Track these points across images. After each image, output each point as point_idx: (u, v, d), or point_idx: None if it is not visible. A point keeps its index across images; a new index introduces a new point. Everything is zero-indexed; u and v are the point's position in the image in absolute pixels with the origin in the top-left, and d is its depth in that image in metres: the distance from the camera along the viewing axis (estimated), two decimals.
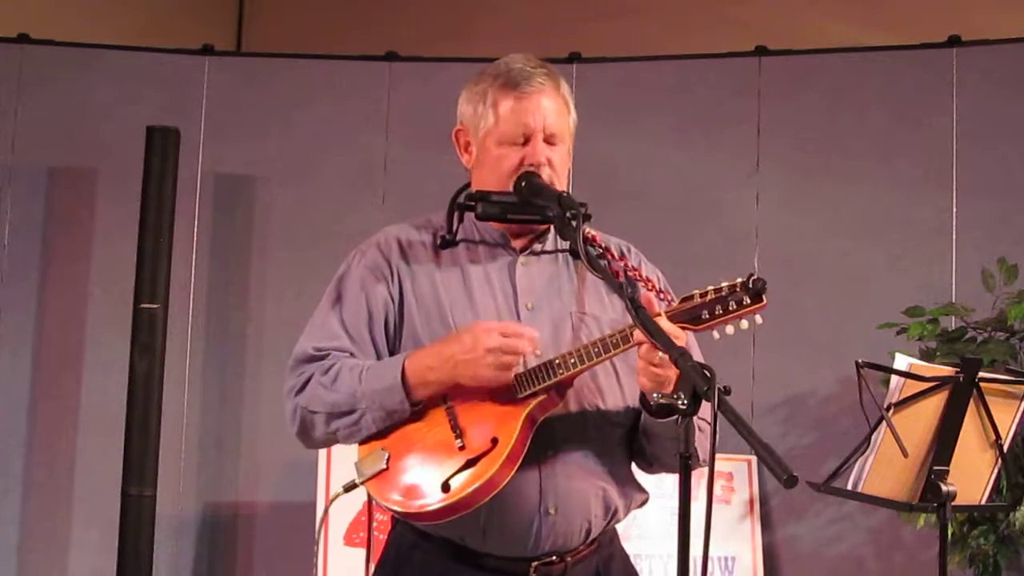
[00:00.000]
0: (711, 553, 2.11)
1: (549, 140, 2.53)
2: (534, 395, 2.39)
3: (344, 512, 4.47)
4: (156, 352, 4.83)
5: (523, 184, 2.47)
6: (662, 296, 2.44)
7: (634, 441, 2.54)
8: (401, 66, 5.40)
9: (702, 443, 2.34)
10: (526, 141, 2.51)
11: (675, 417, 2.39)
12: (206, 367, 5.22)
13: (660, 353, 2.26)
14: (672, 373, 2.30)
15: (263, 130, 5.36)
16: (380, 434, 2.46)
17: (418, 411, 2.44)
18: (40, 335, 5.20)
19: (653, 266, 2.65)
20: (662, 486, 3.90)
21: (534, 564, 2.44)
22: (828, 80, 5.20)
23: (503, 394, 2.40)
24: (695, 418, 2.21)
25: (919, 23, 5.45)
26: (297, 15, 6.58)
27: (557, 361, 2.38)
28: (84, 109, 5.30)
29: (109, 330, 5.08)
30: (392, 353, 2.52)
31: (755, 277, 2.34)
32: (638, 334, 2.31)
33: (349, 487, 2.47)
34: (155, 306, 4.85)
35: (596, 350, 2.37)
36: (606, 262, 2.51)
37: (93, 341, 5.19)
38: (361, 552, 2.57)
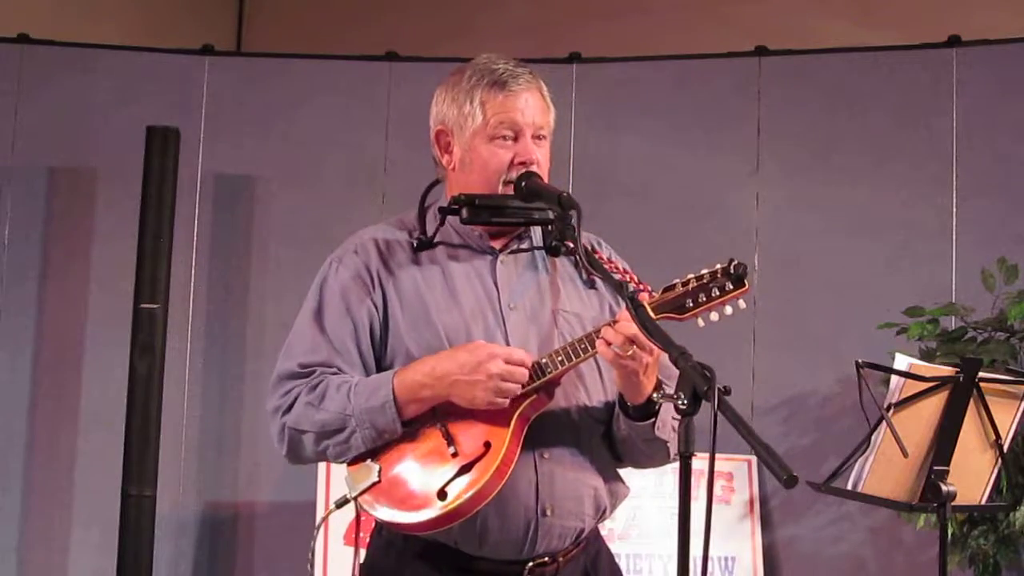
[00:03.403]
0: (711, 553, 2.11)
1: (537, 135, 2.52)
2: (524, 396, 2.38)
3: (344, 511, 4.47)
4: (156, 352, 4.83)
5: (523, 184, 2.47)
6: (642, 287, 2.43)
7: (606, 436, 2.54)
8: (401, 66, 5.40)
9: (672, 437, 2.37)
10: (516, 138, 2.50)
11: (651, 421, 2.42)
12: (206, 367, 5.22)
13: (624, 345, 2.29)
14: (639, 363, 2.32)
15: (263, 130, 5.35)
16: None
17: (407, 420, 2.42)
18: (40, 335, 5.20)
19: (621, 259, 2.64)
20: (662, 486, 3.90)
21: (528, 565, 2.43)
22: (828, 80, 5.20)
23: None
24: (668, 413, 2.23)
25: (919, 23, 5.45)
26: (297, 15, 6.59)
27: (545, 360, 2.38)
28: (84, 109, 5.30)
29: (109, 330, 5.08)
30: (378, 360, 2.50)
31: (736, 262, 2.35)
32: (606, 331, 2.32)
33: (341, 503, 2.42)
34: (155, 306, 4.85)
35: (583, 346, 2.37)
36: (575, 258, 2.51)
37: (93, 341, 5.19)
38: (363, 553, 2.56)
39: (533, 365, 2.39)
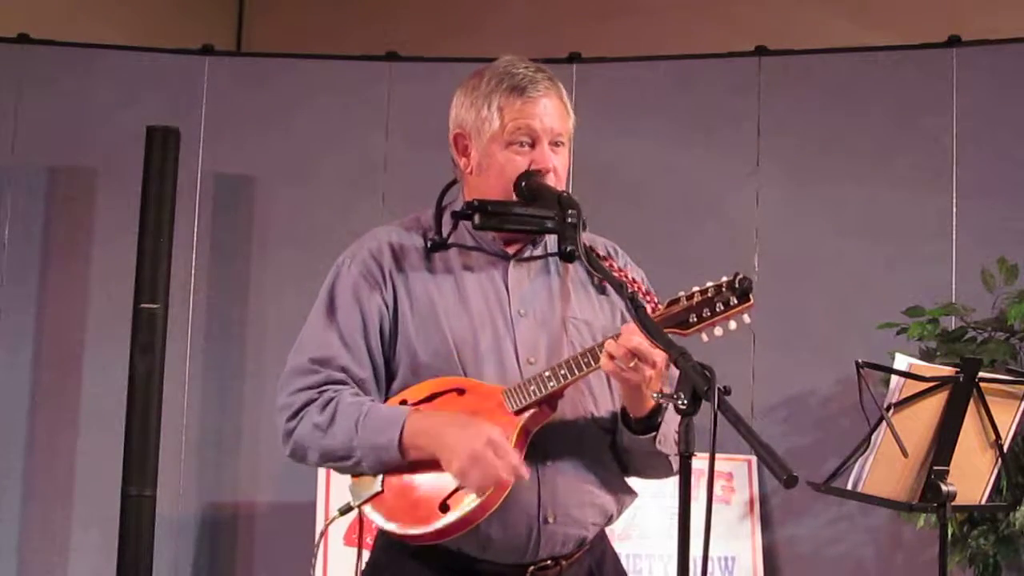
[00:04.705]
0: (711, 553, 2.11)
1: (555, 142, 2.51)
2: (526, 408, 2.37)
3: None
4: (156, 352, 4.83)
5: (524, 184, 2.46)
6: (648, 298, 2.42)
7: (613, 445, 2.53)
8: (401, 66, 5.40)
9: (674, 451, 2.36)
10: (533, 145, 2.49)
11: (652, 435, 2.41)
12: (206, 367, 5.22)
13: (626, 357, 2.28)
14: (642, 376, 2.31)
15: (263, 130, 5.35)
16: None
17: None
18: (40, 335, 5.20)
19: (638, 268, 2.63)
20: (662, 486, 3.89)
21: (530, 568, 2.43)
22: (828, 80, 5.20)
23: (496, 410, 2.38)
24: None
25: (919, 23, 5.45)
26: (297, 15, 6.58)
27: (548, 374, 2.37)
28: (84, 109, 5.30)
29: (109, 330, 5.08)
30: (387, 360, 2.50)
31: (741, 276, 2.31)
32: (609, 345, 2.31)
33: (345, 510, 2.44)
34: (155, 306, 4.85)
35: (585, 360, 2.36)
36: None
37: (93, 341, 5.19)
38: (364, 553, 2.56)
39: (536, 378, 2.37)
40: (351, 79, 5.43)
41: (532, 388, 2.37)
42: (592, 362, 2.35)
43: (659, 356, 2.28)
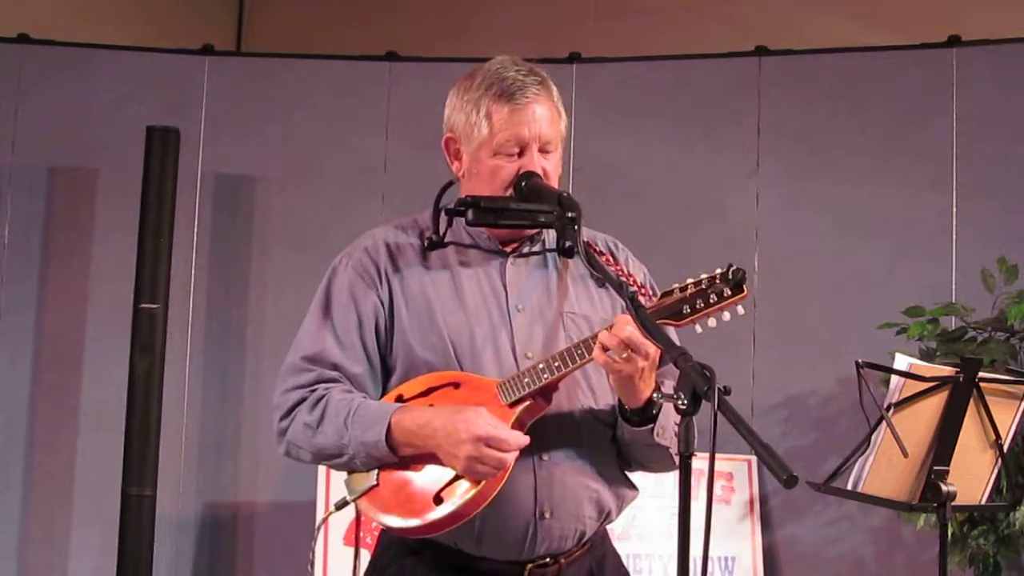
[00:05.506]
0: (711, 553, 2.11)
1: (543, 149, 2.50)
2: (520, 401, 2.38)
3: (344, 512, 4.47)
4: (156, 352, 4.83)
5: (524, 184, 2.46)
6: (643, 292, 2.42)
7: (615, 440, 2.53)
8: (401, 66, 5.40)
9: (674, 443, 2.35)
10: (521, 152, 2.48)
11: (649, 427, 2.41)
12: (206, 367, 5.22)
13: (619, 348, 2.28)
14: (635, 366, 2.30)
15: (263, 130, 5.35)
16: None
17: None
18: (40, 335, 5.20)
19: (640, 263, 2.64)
20: (662, 486, 3.90)
21: (528, 566, 2.43)
22: (828, 80, 5.20)
23: (490, 402, 2.38)
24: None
25: (919, 23, 5.45)
26: (297, 15, 6.58)
27: (541, 366, 2.37)
28: (84, 109, 5.30)
29: (109, 330, 5.08)
30: (383, 358, 2.51)
31: (735, 267, 2.32)
32: (603, 335, 2.31)
33: (341, 505, 2.46)
34: (155, 306, 4.85)
35: (579, 352, 2.36)
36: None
37: (93, 341, 5.19)
38: (363, 553, 2.57)
39: (529, 371, 2.38)
40: (351, 79, 5.43)
41: (526, 380, 2.37)
42: (586, 353, 2.35)
43: (652, 347, 2.29)
